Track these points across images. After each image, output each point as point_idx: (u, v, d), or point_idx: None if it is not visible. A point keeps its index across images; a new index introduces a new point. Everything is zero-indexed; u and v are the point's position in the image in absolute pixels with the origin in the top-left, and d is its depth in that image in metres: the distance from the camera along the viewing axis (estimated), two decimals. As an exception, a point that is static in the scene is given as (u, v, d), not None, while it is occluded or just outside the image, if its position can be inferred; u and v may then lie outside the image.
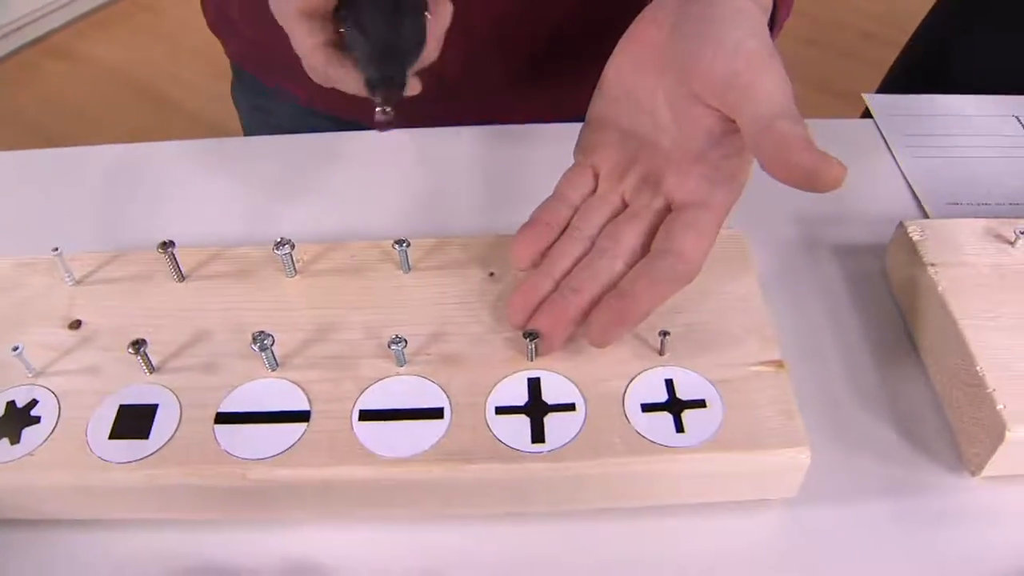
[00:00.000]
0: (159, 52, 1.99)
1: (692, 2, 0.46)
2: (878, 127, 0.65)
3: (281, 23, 0.47)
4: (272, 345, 0.44)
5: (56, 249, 0.49)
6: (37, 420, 0.44)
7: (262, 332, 0.44)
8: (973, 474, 0.46)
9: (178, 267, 0.49)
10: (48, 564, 0.43)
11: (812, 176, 0.40)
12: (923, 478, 0.46)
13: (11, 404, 0.44)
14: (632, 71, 0.48)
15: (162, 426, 0.43)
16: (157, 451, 0.42)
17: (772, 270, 0.55)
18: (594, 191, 0.49)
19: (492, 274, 0.49)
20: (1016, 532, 0.44)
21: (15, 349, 0.44)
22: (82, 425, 0.43)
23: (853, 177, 0.60)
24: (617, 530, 0.44)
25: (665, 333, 0.44)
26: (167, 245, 0.48)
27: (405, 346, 0.44)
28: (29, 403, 0.44)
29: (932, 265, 0.50)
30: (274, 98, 0.77)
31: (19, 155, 0.67)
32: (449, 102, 0.65)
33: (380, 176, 0.63)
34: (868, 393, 0.49)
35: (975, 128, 0.65)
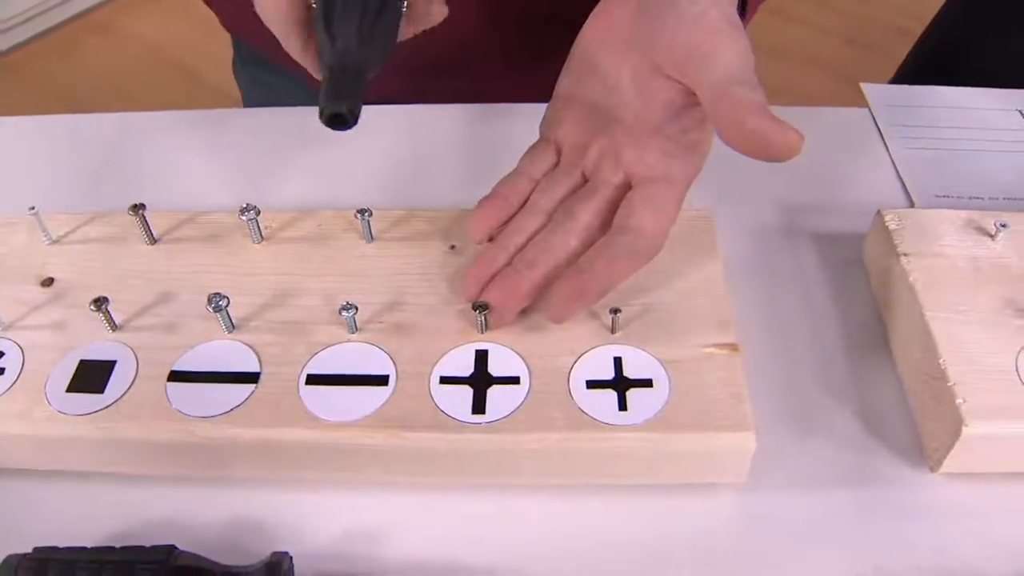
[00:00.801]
0: (194, 29, 2.02)
1: None
2: (873, 117, 0.64)
3: (269, 27, 0.47)
4: (227, 307, 0.45)
5: (33, 208, 0.50)
6: (1, 372, 0.45)
7: (217, 294, 0.45)
8: (932, 470, 0.45)
9: (149, 230, 0.50)
10: (11, 512, 0.45)
11: (765, 142, 0.39)
12: (882, 471, 0.45)
13: (-22, 355, 0.46)
14: (599, 46, 0.48)
15: (118, 381, 0.44)
16: (110, 405, 0.43)
17: (749, 254, 0.54)
18: (557, 166, 0.49)
19: (453, 247, 0.49)
20: (972, 530, 0.43)
21: (-16, 302, 0.46)
22: (42, 378, 0.45)
23: (841, 165, 0.60)
24: (563, 507, 0.43)
25: (616, 311, 0.44)
26: (138, 208, 0.49)
27: (356, 312, 0.44)
28: (-5, 355, 0.46)
29: (905, 255, 0.49)
30: (272, 71, 0.77)
31: (21, 120, 0.68)
32: (441, 78, 0.65)
33: (364, 149, 0.63)
34: (835, 383, 0.49)
35: (975, 121, 0.63)
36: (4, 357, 0.46)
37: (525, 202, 0.48)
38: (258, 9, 0.46)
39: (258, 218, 0.49)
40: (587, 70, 0.48)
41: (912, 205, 0.58)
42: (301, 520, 0.43)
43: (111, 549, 0.41)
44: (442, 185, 0.60)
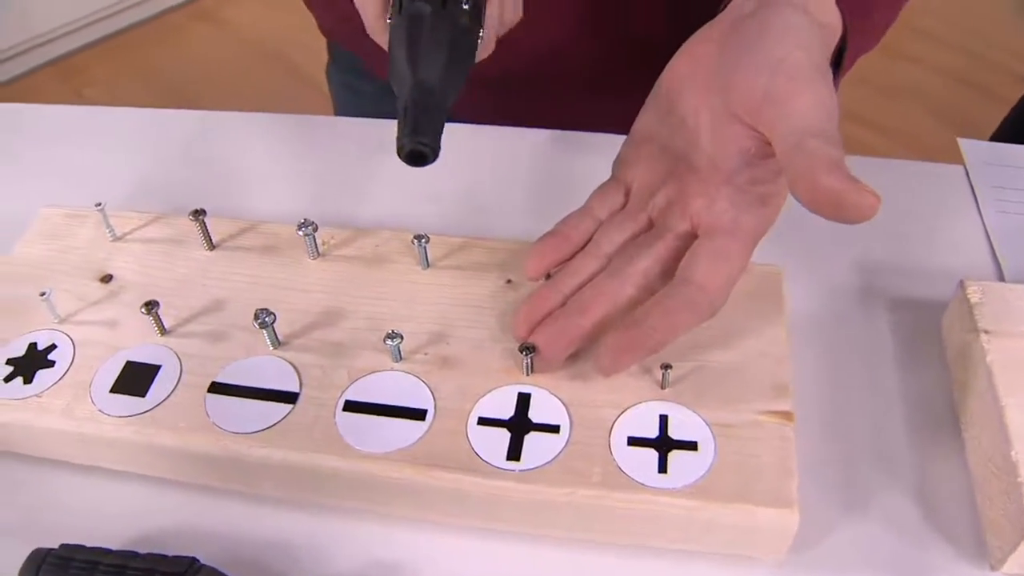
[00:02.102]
0: (295, 22, 2.05)
1: (745, 19, 0.44)
2: (968, 175, 0.60)
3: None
4: (273, 323, 0.44)
5: (99, 204, 0.50)
6: (52, 364, 0.46)
7: (264, 310, 0.44)
8: (993, 568, 0.42)
9: (208, 235, 0.50)
10: (45, 503, 0.45)
11: (838, 202, 0.36)
12: (937, 563, 0.42)
13: (33, 346, 0.46)
14: (681, 85, 0.46)
15: (160, 387, 0.44)
16: (149, 411, 0.43)
17: (817, 314, 0.52)
18: (624, 208, 0.47)
19: (509, 281, 0.48)
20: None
21: (43, 294, 0.46)
22: (89, 375, 0.45)
23: (928, 226, 0.57)
24: (594, 562, 0.42)
25: (667, 366, 0.42)
26: (198, 213, 0.49)
27: (401, 342, 0.44)
28: (48, 347, 0.46)
29: (985, 332, 0.46)
30: (365, 78, 0.78)
31: (109, 111, 0.70)
32: (516, 94, 0.64)
33: (434, 169, 0.62)
34: (896, 461, 0.46)
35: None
36: (56, 350, 0.46)
37: (587, 242, 0.46)
38: None
39: (315, 234, 0.49)
40: (667, 109, 0.47)
41: (1001, 276, 0.54)
42: (325, 546, 0.43)
43: (135, 555, 0.41)
44: (508, 213, 0.59)
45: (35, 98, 2.20)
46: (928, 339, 0.51)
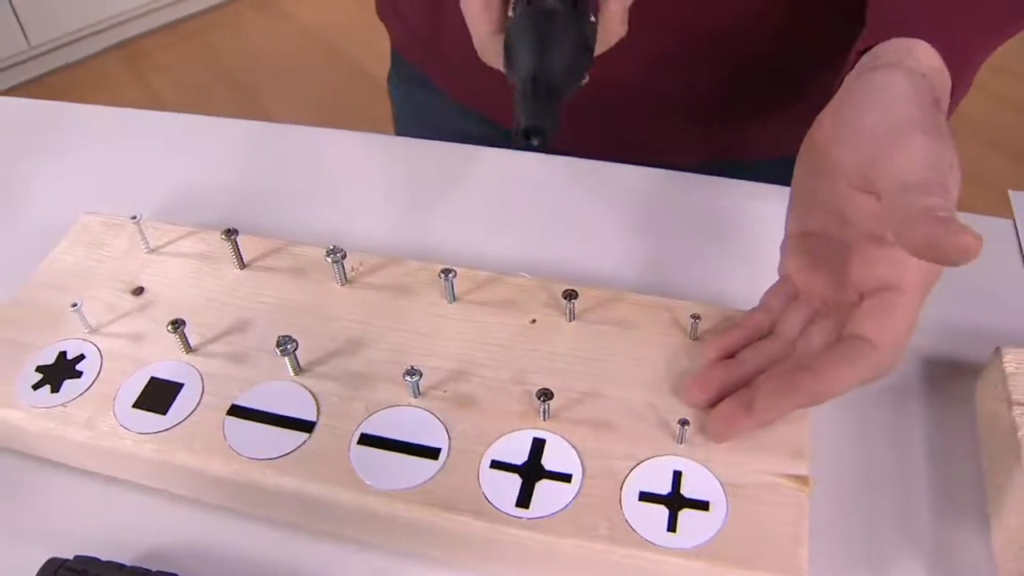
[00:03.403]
0: (354, 17, 2.07)
1: (849, 92, 0.44)
2: (1016, 230, 0.59)
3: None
4: (295, 351, 0.45)
5: (135, 217, 0.51)
6: (79, 375, 0.46)
7: (287, 337, 0.45)
8: (1007, 652, 0.40)
9: (239, 254, 0.51)
10: (64, 511, 0.46)
11: (937, 249, 0.36)
12: (950, 645, 0.41)
13: (62, 355, 0.47)
14: (810, 176, 0.46)
15: (182, 406, 0.45)
16: (168, 429, 0.44)
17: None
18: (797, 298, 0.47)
19: (534, 321, 0.48)
20: None
21: (74, 306, 0.47)
22: (114, 389, 0.46)
23: (972, 283, 0.55)
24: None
25: (685, 422, 0.42)
26: (230, 232, 0.50)
27: (420, 378, 0.44)
28: (77, 357, 0.47)
29: (1019, 404, 0.45)
30: (429, 91, 0.78)
31: (159, 116, 0.71)
32: (611, 129, 0.64)
33: (502, 198, 0.63)
34: (917, 534, 0.44)
35: None
36: (84, 361, 0.47)
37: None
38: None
39: (344, 260, 0.49)
40: (808, 201, 0.47)
41: (1043, 341, 0.53)
42: (332, 573, 0.43)
43: (146, 572, 0.42)
44: (562, 248, 0.59)
45: (100, 81, 2.25)
46: (961, 404, 0.50)
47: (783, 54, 0.62)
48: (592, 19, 0.42)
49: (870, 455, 0.47)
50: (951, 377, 0.51)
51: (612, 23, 0.44)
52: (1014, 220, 0.59)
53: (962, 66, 0.45)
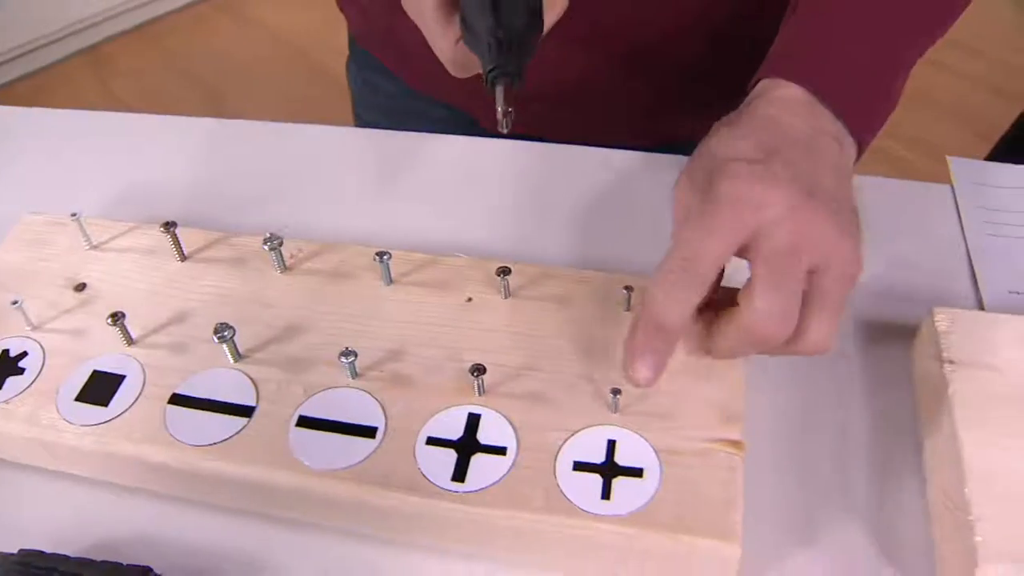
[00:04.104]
0: (319, 18, 2.06)
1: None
2: (954, 194, 0.59)
3: (416, 21, 0.47)
4: (232, 337, 0.45)
5: (74, 214, 0.51)
6: (21, 372, 0.47)
7: (224, 324, 0.45)
8: (942, 605, 0.41)
9: (180, 247, 0.51)
10: (9, 507, 0.46)
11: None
12: (887, 598, 0.42)
13: (5, 352, 0.48)
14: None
15: (123, 397, 0.45)
16: (110, 420, 0.44)
17: (786, 337, 0.51)
18: None
19: (470, 299, 0.48)
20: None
21: (14, 303, 0.47)
22: (57, 383, 0.46)
23: (910, 247, 0.56)
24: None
25: (617, 391, 0.42)
26: (169, 225, 0.50)
27: (356, 359, 0.44)
28: (20, 354, 0.47)
29: (950, 363, 0.45)
30: (386, 78, 0.78)
31: (118, 116, 0.71)
32: (561, 112, 0.64)
33: (447, 182, 0.63)
34: (855, 492, 0.45)
35: (1069, 212, 0.58)
36: (27, 357, 0.47)
37: None
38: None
39: (281, 248, 0.49)
40: None
41: (980, 300, 0.53)
42: (279, 557, 0.43)
43: (91, 562, 0.42)
44: (504, 227, 0.59)
45: (65, 88, 2.24)
46: (898, 365, 0.50)
47: (724, 54, 0.63)
48: None
49: (807, 418, 0.48)
50: (888, 339, 0.51)
51: None
52: (952, 185, 0.60)
53: (853, 93, 0.47)
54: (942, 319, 0.47)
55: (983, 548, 0.38)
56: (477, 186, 0.62)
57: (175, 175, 0.64)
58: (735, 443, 0.42)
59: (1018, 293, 0.53)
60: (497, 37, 0.41)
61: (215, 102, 2.13)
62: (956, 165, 0.61)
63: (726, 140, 0.45)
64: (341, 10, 0.80)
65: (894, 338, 0.51)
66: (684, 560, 0.39)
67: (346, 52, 0.84)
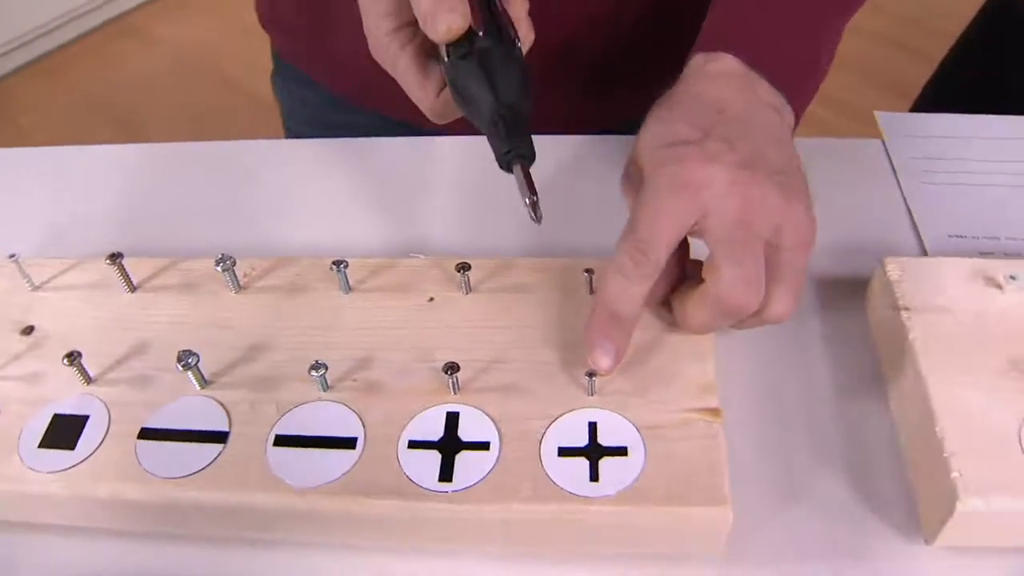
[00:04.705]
0: (224, 32, 2.03)
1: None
2: (886, 148, 0.61)
3: (389, 71, 0.46)
4: (197, 364, 0.44)
5: (13, 255, 0.50)
6: (-23, 424, 0.45)
7: (188, 351, 0.44)
8: (927, 542, 0.42)
9: (128, 278, 0.50)
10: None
11: None
12: (874, 544, 0.43)
13: (-43, 407, 0.46)
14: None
15: (89, 438, 0.44)
16: (79, 464, 0.43)
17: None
18: None
19: (432, 299, 0.48)
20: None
21: (-42, 354, 0.46)
22: (17, 431, 0.44)
23: (852, 201, 0.58)
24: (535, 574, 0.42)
25: (592, 374, 0.43)
26: (115, 256, 0.49)
27: (326, 372, 0.43)
28: (-28, 407, 0.46)
29: (906, 309, 0.47)
30: (315, 90, 0.77)
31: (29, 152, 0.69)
32: None
33: (391, 186, 0.62)
34: (829, 445, 0.46)
35: (995, 153, 0.60)
36: (-19, 409, 0.46)
37: None
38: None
39: (234, 268, 0.48)
40: None
41: (923, 248, 0.55)
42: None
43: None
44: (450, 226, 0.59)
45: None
46: (853, 317, 0.52)
47: (670, 28, 0.64)
48: (518, 43, 0.43)
49: (776, 379, 0.49)
50: (841, 293, 0.53)
51: (525, 33, 0.45)
52: (883, 139, 0.62)
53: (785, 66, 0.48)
54: (893, 268, 0.49)
55: (961, 482, 0.39)
56: (422, 186, 0.62)
57: (108, 206, 0.63)
58: (713, 411, 0.42)
59: (958, 236, 0.55)
60: (503, 116, 0.41)
61: (130, 128, 2.08)
62: (884, 119, 0.62)
63: (663, 125, 0.45)
64: (264, 29, 0.78)
65: (847, 292, 0.53)
66: (677, 531, 0.40)
67: (260, 63, 0.82)
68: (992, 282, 0.48)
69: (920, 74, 0.85)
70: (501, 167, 0.42)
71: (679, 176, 0.42)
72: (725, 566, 0.42)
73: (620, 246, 0.42)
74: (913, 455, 0.44)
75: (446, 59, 0.43)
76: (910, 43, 2.11)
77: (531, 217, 0.41)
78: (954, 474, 0.40)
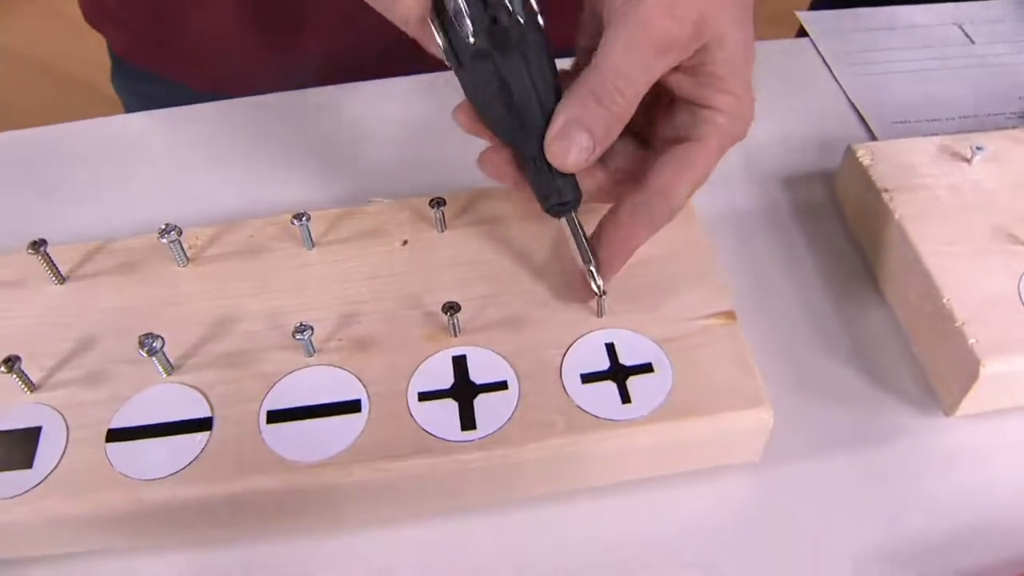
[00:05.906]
0: (61, 31, 1.89)
1: None
2: (815, 46, 0.61)
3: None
4: (163, 348, 0.39)
5: (-93, 261, 0.43)
6: (-95, 457, 0.38)
7: (149, 334, 0.39)
8: (947, 414, 0.42)
9: (55, 268, 0.43)
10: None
11: None
12: (895, 422, 0.43)
13: None
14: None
15: (47, 451, 0.38)
16: (42, 481, 0.37)
17: (714, 208, 0.50)
18: None
19: (405, 242, 0.44)
20: (996, 470, 0.41)
21: None
22: (-45, 457, 0.38)
23: (794, 101, 0.57)
24: (575, 512, 0.40)
25: (601, 289, 0.40)
26: (38, 244, 0.43)
27: (312, 333, 0.39)
28: None
29: (886, 191, 0.46)
30: (162, 86, 0.71)
31: None
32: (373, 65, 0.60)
33: (289, 141, 0.57)
34: (829, 336, 0.46)
35: (917, 41, 0.60)
36: (-95, 440, 0.39)
37: None
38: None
39: (180, 238, 0.43)
40: None
41: (872, 135, 0.55)
42: None
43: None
44: (383, 171, 0.55)
45: None
46: (823, 208, 0.51)
47: None
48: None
49: (765, 281, 0.48)
50: (810, 187, 0.52)
51: None
52: (811, 37, 0.61)
53: None
54: (863, 154, 0.48)
55: (980, 348, 0.39)
56: (357, 136, 0.57)
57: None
58: (727, 314, 0.41)
59: (903, 122, 0.55)
60: (548, 163, 0.37)
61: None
62: (808, 18, 0.62)
63: None
64: (95, 28, 0.71)
65: (814, 187, 0.52)
66: (720, 441, 0.38)
67: (93, 55, 0.74)
68: (959, 156, 0.48)
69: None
70: (545, 211, 0.39)
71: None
72: (756, 471, 0.40)
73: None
74: (918, 331, 0.44)
75: (457, 61, 0.37)
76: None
77: (594, 289, 0.39)
78: (971, 340, 0.40)
